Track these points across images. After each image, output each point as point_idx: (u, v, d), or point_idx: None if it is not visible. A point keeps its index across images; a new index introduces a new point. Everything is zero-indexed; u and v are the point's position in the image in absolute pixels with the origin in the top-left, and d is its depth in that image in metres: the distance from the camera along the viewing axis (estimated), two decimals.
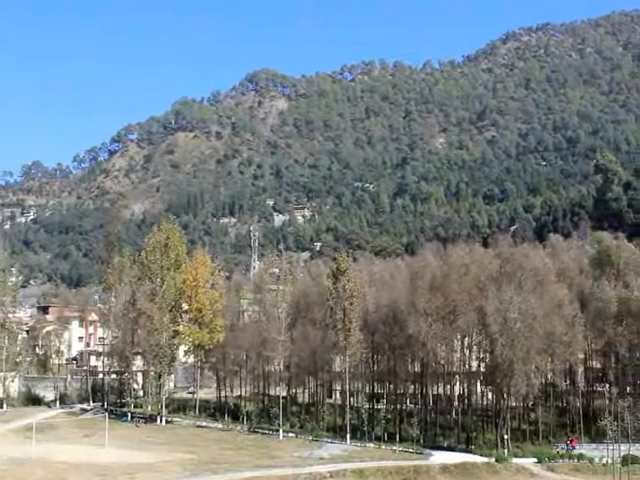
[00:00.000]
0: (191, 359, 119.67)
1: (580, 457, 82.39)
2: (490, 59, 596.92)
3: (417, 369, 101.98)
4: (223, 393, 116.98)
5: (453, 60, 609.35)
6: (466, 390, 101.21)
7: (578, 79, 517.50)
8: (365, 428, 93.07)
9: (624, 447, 77.32)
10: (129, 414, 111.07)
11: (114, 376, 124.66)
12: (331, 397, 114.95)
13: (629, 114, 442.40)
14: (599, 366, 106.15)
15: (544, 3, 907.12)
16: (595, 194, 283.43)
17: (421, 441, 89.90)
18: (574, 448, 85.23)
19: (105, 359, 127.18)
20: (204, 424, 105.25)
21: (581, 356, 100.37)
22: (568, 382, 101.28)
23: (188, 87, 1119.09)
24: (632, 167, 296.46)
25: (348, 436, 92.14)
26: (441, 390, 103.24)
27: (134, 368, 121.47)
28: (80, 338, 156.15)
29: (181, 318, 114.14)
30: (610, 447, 76.90)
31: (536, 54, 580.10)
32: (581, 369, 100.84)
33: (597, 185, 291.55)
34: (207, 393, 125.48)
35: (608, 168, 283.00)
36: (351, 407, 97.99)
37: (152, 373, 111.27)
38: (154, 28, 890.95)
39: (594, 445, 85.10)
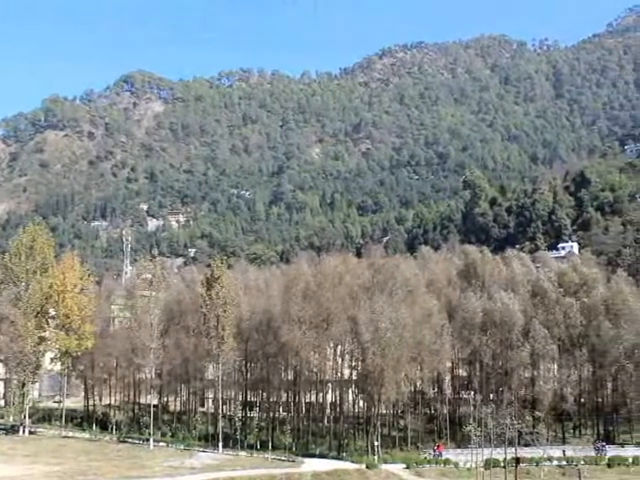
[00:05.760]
0: (58, 366, 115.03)
1: (446, 462, 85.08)
2: (366, 73, 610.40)
3: (290, 377, 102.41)
4: (91, 402, 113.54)
5: (330, 72, 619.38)
6: (338, 398, 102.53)
7: (449, 97, 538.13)
8: (238, 436, 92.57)
9: (487, 451, 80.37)
10: None
11: None
12: (204, 405, 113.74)
13: (495, 133, 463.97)
14: (465, 374, 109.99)
15: (418, 22, 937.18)
16: (464, 209, 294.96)
17: (294, 449, 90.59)
18: (441, 453, 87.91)
19: None
20: (71, 434, 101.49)
21: (448, 364, 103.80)
22: (436, 390, 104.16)
23: (60, 84, 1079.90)
24: (498, 184, 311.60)
25: (220, 445, 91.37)
26: (314, 398, 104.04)
27: None
28: None
29: (47, 324, 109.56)
30: (474, 451, 79.74)
31: (410, 71, 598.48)
32: (448, 377, 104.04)
33: (465, 200, 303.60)
34: (74, 402, 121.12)
35: (476, 184, 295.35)
36: (224, 415, 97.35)
37: (15, 381, 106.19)
38: (24, 19, 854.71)
39: (459, 450, 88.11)
